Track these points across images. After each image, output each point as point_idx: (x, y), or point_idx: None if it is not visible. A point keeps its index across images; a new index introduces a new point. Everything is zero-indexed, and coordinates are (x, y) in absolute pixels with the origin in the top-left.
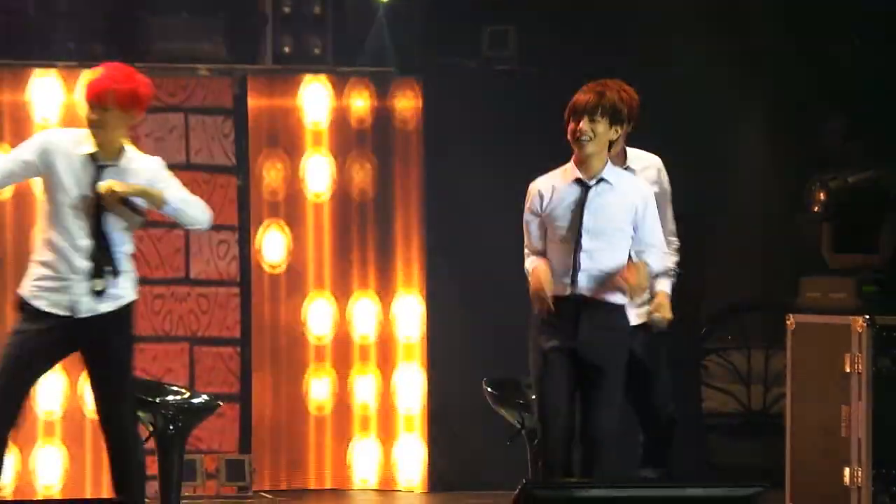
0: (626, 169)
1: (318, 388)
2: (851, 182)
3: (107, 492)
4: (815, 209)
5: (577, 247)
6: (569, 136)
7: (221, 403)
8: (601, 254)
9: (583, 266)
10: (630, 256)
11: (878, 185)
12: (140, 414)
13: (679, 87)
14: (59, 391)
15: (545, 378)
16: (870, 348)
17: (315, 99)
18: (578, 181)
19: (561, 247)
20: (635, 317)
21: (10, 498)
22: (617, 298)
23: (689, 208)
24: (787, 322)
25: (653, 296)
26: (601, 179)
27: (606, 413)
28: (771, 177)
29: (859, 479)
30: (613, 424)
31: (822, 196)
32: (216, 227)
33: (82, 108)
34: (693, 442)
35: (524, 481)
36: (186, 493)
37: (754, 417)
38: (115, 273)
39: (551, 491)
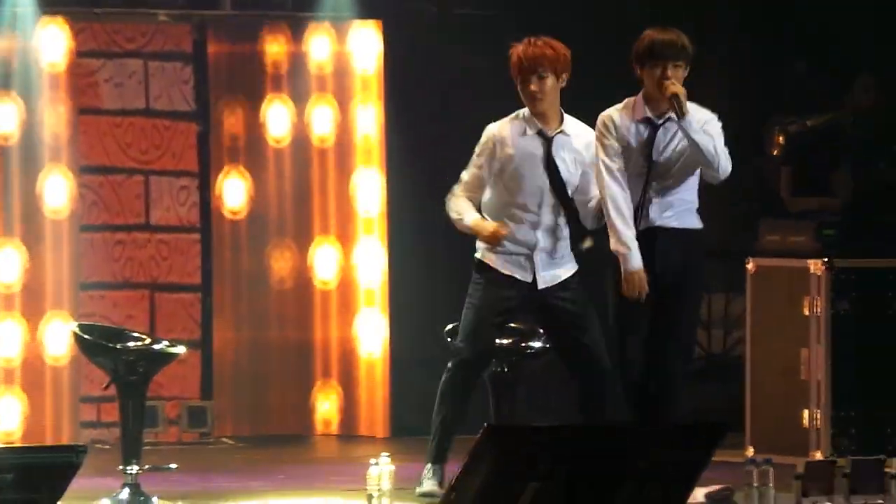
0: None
1: (280, 335)
2: (810, 125)
3: (67, 438)
4: (775, 152)
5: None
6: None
7: (185, 349)
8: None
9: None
10: None
11: (837, 129)
12: (99, 360)
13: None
14: (18, 338)
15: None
16: (829, 291)
17: (274, 44)
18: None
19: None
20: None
21: None
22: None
23: None
24: (747, 265)
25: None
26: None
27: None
28: (730, 120)
29: (818, 422)
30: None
31: (780, 139)
32: (176, 174)
33: None
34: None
35: (486, 424)
36: (148, 440)
37: (715, 360)
38: None
39: (514, 433)
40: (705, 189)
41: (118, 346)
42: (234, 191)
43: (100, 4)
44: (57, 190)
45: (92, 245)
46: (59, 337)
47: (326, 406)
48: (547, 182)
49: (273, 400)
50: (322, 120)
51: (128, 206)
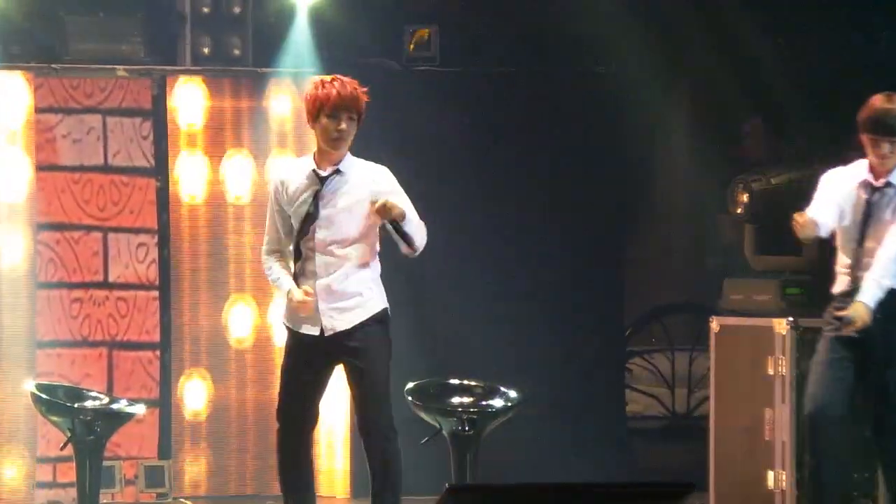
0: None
1: (240, 394)
2: (774, 184)
3: (22, 499)
4: (738, 211)
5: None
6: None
7: (144, 408)
8: None
9: None
10: None
11: (801, 187)
12: (56, 419)
13: (602, 85)
14: None
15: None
16: (793, 351)
17: (235, 99)
18: None
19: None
20: None
21: None
22: None
23: (611, 209)
24: (711, 324)
25: None
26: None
27: None
28: (694, 178)
29: (783, 483)
30: None
31: (744, 198)
32: (135, 231)
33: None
34: (618, 445)
35: (447, 485)
36: (105, 500)
37: (678, 420)
38: None
39: (477, 493)
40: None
41: (76, 406)
42: (192, 248)
43: (59, 60)
44: (14, 247)
45: (49, 302)
46: (15, 396)
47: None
48: None
49: (232, 460)
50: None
51: (85, 264)
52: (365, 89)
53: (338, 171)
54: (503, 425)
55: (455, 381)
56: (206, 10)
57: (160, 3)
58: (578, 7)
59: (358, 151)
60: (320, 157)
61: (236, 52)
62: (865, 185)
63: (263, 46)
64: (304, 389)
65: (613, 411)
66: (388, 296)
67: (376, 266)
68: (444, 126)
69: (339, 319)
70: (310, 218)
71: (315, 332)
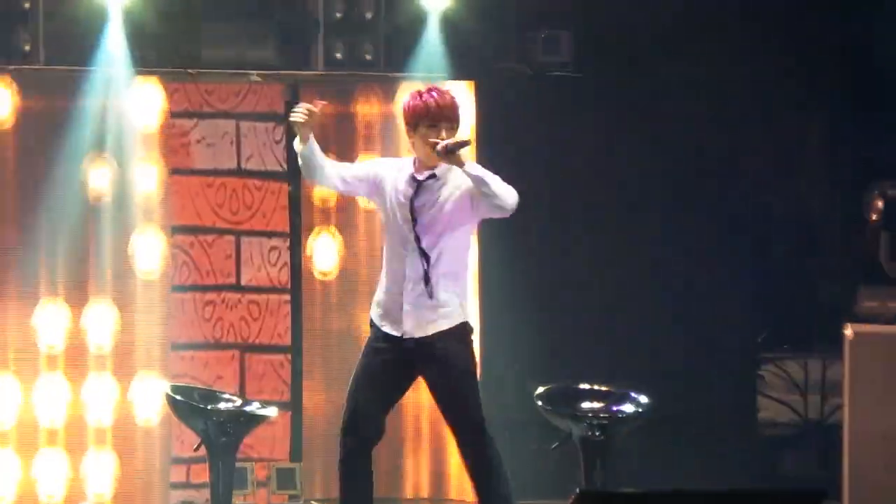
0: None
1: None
2: None
3: (157, 500)
4: (874, 217)
5: None
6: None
7: (276, 411)
8: None
9: None
10: None
11: None
12: (190, 421)
13: (732, 88)
14: (109, 398)
15: None
16: None
17: (366, 104)
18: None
19: None
20: None
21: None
22: None
23: (747, 215)
24: (845, 331)
25: None
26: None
27: None
28: (829, 184)
29: None
30: None
31: (880, 204)
32: (267, 234)
33: None
34: (749, 452)
35: (577, 490)
36: (237, 502)
37: (811, 427)
38: None
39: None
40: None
41: (209, 408)
42: (324, 252)
43: (193, 65)
44: (149, 250)
45: (182, 305)
46: (150, 397)
47: (417, 469)
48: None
49: None
50: None
51: (218, 267)
52: (459, 97)
53: (433, 176)
54: (634, 431)
55: (585, 386)
56: (338, 15)
57: (294, 9)
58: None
59: (490, 158)
60: (419, 164)
61: (368, 56)
62: None
63: (395, 51)
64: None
65: (746, 418)
66: (516, 301)
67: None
68: (577, 131)
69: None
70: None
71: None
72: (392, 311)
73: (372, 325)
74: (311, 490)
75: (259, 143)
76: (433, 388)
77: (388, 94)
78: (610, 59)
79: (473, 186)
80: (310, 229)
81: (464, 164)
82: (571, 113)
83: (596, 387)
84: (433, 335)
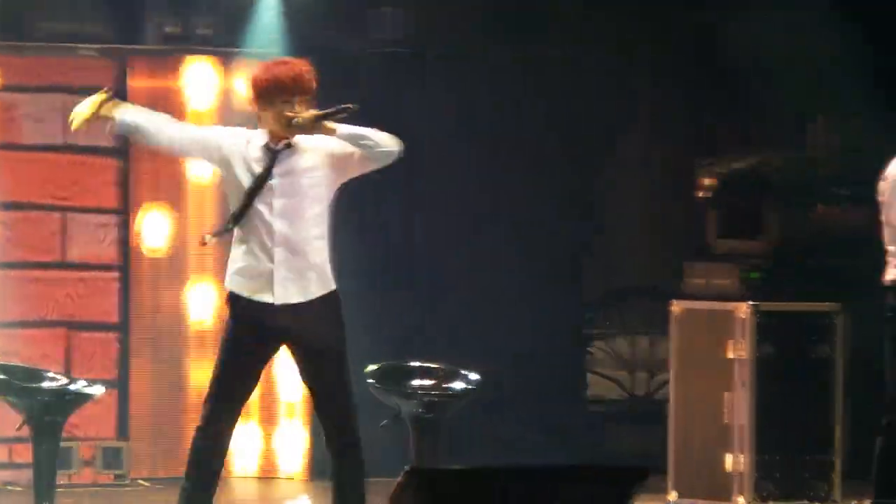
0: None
1: (198, 375)
2: (736, 169)
3: None
4: (701, 195)
5: None
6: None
7: (103, 389)
8: None
9: None
10: None
11: (762, 172)
12: (13, 400)
13: (559, 69)
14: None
15: None
16: (753, 335)
17: (199, 80)
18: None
19: None
20: None
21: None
22: None
23: (573, 193)
24: (671, 308)
25: None
26: None
27: None
28: (656, 162)
29: (742, 466)
30: None
31: (707, 182)
32: (95, 210)
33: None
34: (578, 429)
35: (407, 467)
36: (62, 482)
37: (638, 404)
38: None
39: (436, 475)
40: (633, 231)
41: (33, 386)
42: (154, 228)
43: (22, 38)
44: None
45: (7, 282)
46: None
47: (245, 447)
48: None
49: (188, 441)
50: None
51: (44, 243)
52: (316, 70)
53: (289, 145)
54: (463, 408)
55: (415, 364)
56: None
57: None
58: None
59: None
60: (272, 135)
61: (201, 31)
62: None
63: (229, 27)
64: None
65: (574, 395)
66: (347, 279)
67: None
68: (410, 109)
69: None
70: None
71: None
72: (258, 279)
73: (233, 296)
74: (138, 469)
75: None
76: (303, 357)
77: (223, 71)
78: (444, 36)
79: (349, 145)
80: (139, 206)
81: (335, 132)
82: (405, 89)
83: (426, 365)
84: (305, 302)
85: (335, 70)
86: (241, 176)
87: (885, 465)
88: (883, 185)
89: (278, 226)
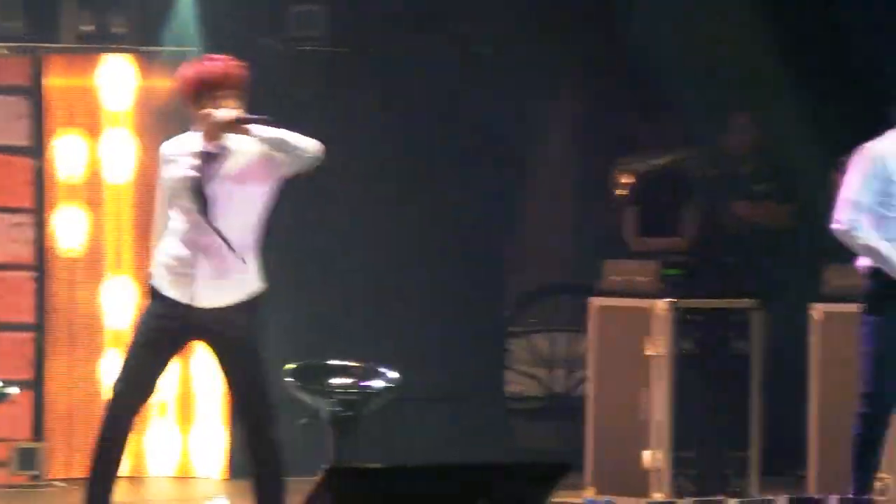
0: None
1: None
2: (654, 166)
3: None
4: (619, 192)
5: None
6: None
7: (17, 390)
8: None
9: None
10: None
11: (681, 170)
12: None
13: (484, 66)
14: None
15: None
16: (671, 331)
17: (115, 78)
18: None
19: None
20: None
21: None
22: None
23: (492, 189)
24: (590, 305)
25: None
26: None
27: None
28: (575, 159)
29: (659, 462)
30: None
31: (625, 180)
32: (10, 210)
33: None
34: (497, 426)
35: (325, 466)
36: None
37: (557, 401)
38: None
39: (355, 474)
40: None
41: None
42: (70, 228)
43: None
44: None
45: None
46: None
47: (162, 447)
48: None
49: None
50: None
51: None
52: (245, 66)
53: (223, 147)
54: (383, 407)
55: (334, 363)
56: None
57: None
58: None
59: None
60: (204, 136)
61: (118, 29)
62: None
63: (146, 25)
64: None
65: (493, 392)
66: (267, 277)
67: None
68: (331, 107)
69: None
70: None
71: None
72: (181, 277)
73: (154, 292)
74: (54, 470)
75: (2, 117)
76: (223, 359)
77: (138, 68)
78: (366, 34)
79: (269, 149)
80: (55, 206)
81: (251, 133)
82: (326, 88)
83: (345, 363)
84: (225, 305)
85: (253, 68)
86: (176, 176)
87: (860, 457)
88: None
89: (204, 227)
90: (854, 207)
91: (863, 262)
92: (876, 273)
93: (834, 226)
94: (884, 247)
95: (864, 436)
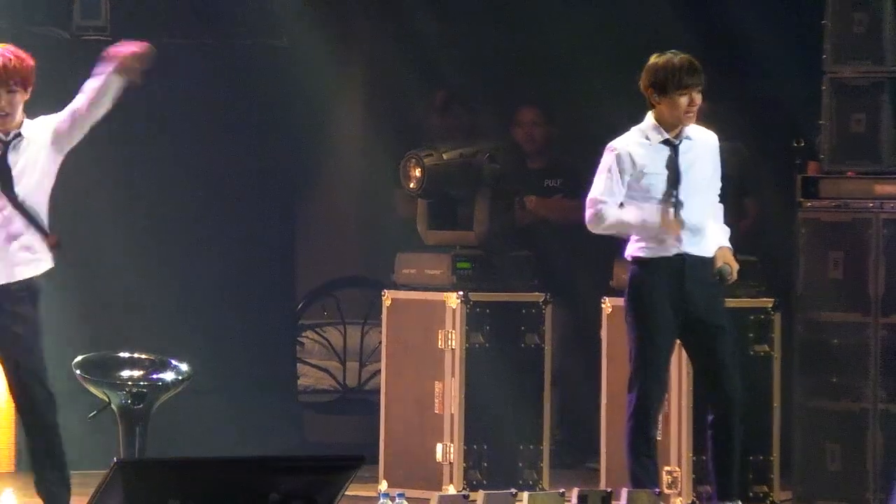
0: None
1: None
2: (446, 158)
3: None
4: (411, 185)
5: None
6: None
7: None
8: None
9: None
10: None
11: (473, 162)
12: None
13: (276, 59)
14: None
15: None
16: (463, 325)
17: None
18: None
19: None
20: None
21: None
22: None
23: (284, 182)
24: (383, 298)
25: None
26: None
27: None
28: (368, 152)
29: (451, 455)
30: None
31: (417, 172)
32: None
33: None
34: (289, 419)
35: (115, 459)
36: None
37: (350, 394)
38: None
39: (146, 467)
40: (347, 222)
41: None
42: None
43: None
44: None
45: None
46: None
47: None
48: None
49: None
50: None
51: None
52: (23, 53)
53: (18, 135)
54: (175, 399)
55: (125, 354)
56: None
57: None
58: None
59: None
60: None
61: None
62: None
63: None
64: None
65: (285, 385)
66: (57, 264)
67: None
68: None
69: None
70: None
71: None
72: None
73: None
74: None
75: None
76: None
77: None
78: (148, 24)
79: (58, 118)
80: None
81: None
82: None
83: (135, 355)
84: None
85: (37, 57)
86: None
87: (718, 465)
88: None
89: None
90: (600, 204)
91: (627, 251)
92: (635, 259)
93: (587, 223)
94: (627, 214)
95: (636, 420)
